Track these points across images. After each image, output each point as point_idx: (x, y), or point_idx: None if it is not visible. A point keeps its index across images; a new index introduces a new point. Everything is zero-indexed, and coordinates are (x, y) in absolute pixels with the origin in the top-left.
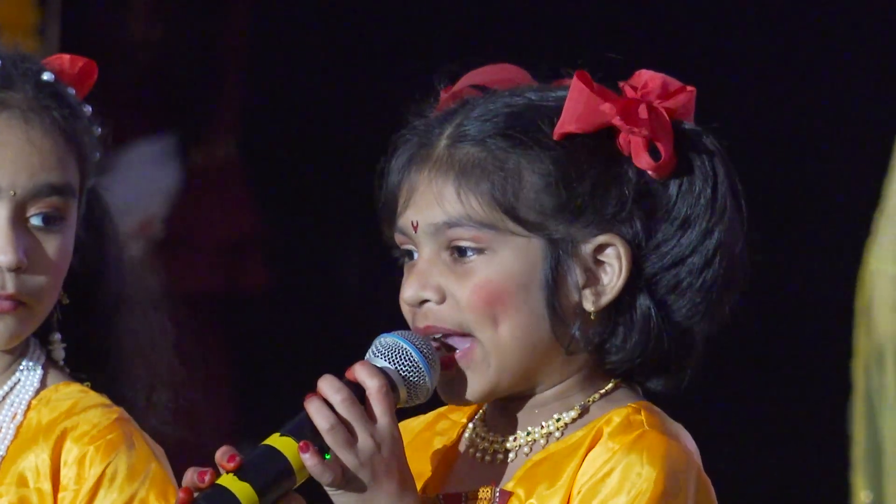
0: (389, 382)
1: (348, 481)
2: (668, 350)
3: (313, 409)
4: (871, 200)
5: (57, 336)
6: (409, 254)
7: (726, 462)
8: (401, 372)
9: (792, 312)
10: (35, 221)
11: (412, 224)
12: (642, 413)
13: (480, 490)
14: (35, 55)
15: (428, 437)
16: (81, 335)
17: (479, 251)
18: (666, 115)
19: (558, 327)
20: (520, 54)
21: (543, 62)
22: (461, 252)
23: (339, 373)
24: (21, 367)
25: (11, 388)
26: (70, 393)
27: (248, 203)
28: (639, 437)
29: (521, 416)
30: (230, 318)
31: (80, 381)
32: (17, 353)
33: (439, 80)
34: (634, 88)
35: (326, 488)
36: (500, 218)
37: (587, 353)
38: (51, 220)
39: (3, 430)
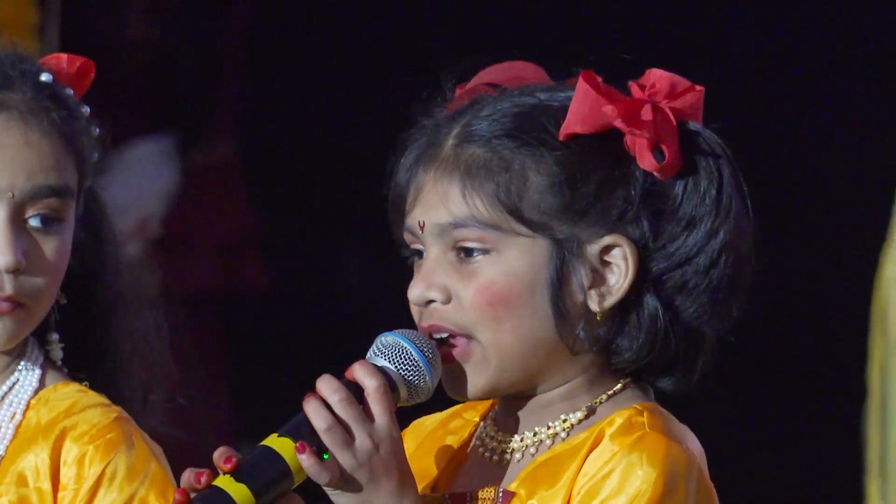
0: (389, 382)
1: (346, 481)
2: (675, 350)
3: (311, 409)
4: (887, 204)
5: (55, 336)
6: (419, 253)
7: (739, 466)
8: (401, 371)
9: (807, 317)
10: (33, 223)
11: (419, 224)
12: (645, 415)
13: (484, 490)
14: (33, 55)
15: (440, 435)
16: (79, 335)
17: (485, 251)
18: (671, 115)
19: (563, 327)
20: (534, 52)
21: (558, 60)
22: (467, 252)
23: (339, 372)
24: (19, 368)
25: (10, 388)
26: (69, 392)
27: (247, 203)
28: (639, 438)
29: (528, 416)
30: (229, 317)
31: (79, 380)
32: (16, 354)
33: (447, 79)
34: (642, 88)
35: (325, 488)
36: (504, 218)
37: (594, 353)
38: (49, 222)
39: (3, 430)
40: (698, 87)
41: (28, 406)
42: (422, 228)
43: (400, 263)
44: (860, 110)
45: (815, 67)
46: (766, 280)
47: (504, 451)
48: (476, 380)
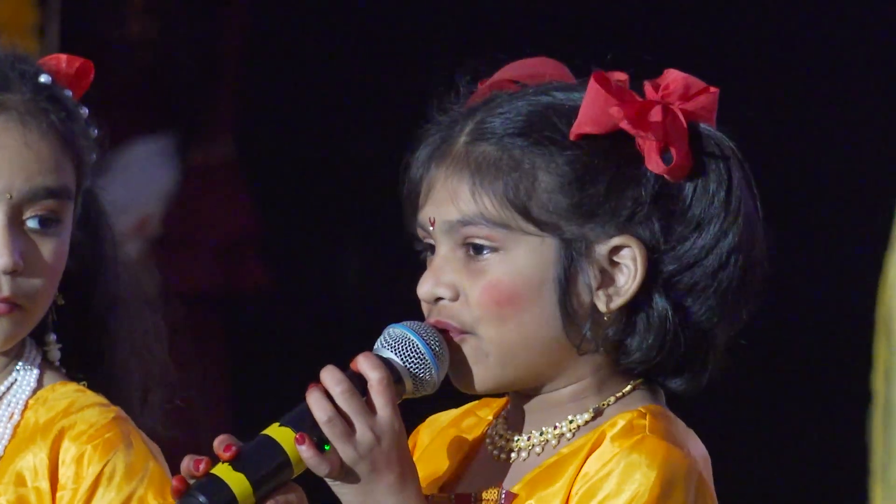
0: (394, 374)
1: (346, 474)
2: (685, 351)
3: (313, 400)
4: (891, 208)
5: (52, 337)
6: (431, 248)
7: (743, 469)
8: (406, 364)
9: (812, 321)
10: (31, 224)
11: (430, 220)
12: (647, 418)
13: (488, 491)
14: (32, 56)
15: (453, 433)
16: (77, 336)
17: (494, 249)
18: (682, 117)
19: (570, 327)
20: (560, 49)
21: (584, 57)
22: (477, 249)
23: (344, 365)
24: (17, 368)
25: (8, 389)
26: (67, 392)
27: (246, 202)
28: (638, 441)
29: (536, 415)
30: (228, 316)
31: (77, 380)
32: (13, 355)
33: (463, 75)
34: (656, 88)
35: (326, 480)
36: (513, 217)
37: (602, 353)
38: (47, 223)
39: (1, 430)
40: (713, 89)
41: (26, 406)
42: (432, 225)
43: (399, 262)
44: (863, 113)
45: (818, 71)
46: (769, 284)
47: (511, 450)
48: (479, 373)
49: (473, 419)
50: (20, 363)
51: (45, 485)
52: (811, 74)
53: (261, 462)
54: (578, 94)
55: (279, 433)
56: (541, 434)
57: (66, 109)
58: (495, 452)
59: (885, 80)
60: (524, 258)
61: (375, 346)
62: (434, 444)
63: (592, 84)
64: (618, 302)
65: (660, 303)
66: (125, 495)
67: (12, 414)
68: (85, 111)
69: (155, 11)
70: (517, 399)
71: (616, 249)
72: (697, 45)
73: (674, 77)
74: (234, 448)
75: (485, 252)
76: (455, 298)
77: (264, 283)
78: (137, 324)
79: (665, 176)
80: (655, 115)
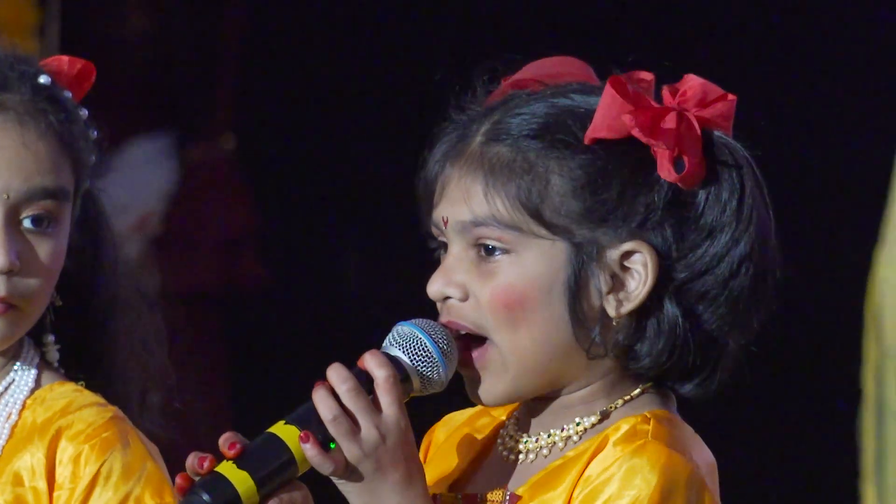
0: (401, 372)
1: (351, 472)
2: (694, 357)
3: (318, 398)
4: (880, 206)
5: (51, 338)
6: (445, 246)
7: (734, 469)
8: (414, 363)
9: (801, 320)
10: (28, 224)
11: (443, 219)
12: (651, 423)
13: (493, 492)
14: (33, 57)
15: (467, 432)
16: (76, 337)
17: (506, 251)
18: (697, 124)
19: (579, 331)
20: (587, 49)
21: (608, 57)
22: (488, 250)
23: (351, 363)
24: (15, 368)
25: (6, 389)
26: (64, 392)
27: (246, 199)
28: (640, 446)
29: (546, 417)
30: (228, 314)
31: (75, 380)
32: (11, 355)
33: (479, 75)
34: (674, 94)
35: (331, 478)
36: (524, 220)
37: (612, 357)
38: (44, 224)
39: None
40: (730, 97)
41: (24, 406)
42: (445, 224)
43: (399, 260)
44: (853, 111)
45: (810, 69)
46: (782, 289)
47: (519, 451)
48: (494, 385)
49: (487, 418)
50: (18, 363)
51: (42, 484)
52: (798, 70)
53: (265, 460)
54: (596, 97)
55: (284, 431)
56: (548, 436)
57: (65, 110)
58: (504, 453)
59: (874, 78)
60: (535, 261)
61: (384, 344)
62: (447, 442)
63: (608, 89)
64: (628, 307)
65: (670, 309)
66: (122, 495)
67: (10, 414)
68: (84, 113)
69: (154, 9)
70: (529, 401)
71: (627, 254)
72: (718, 45)
73: (692, 83)
74: (238, 446)
75: (496, 253)
76: (464, 298)
77: (264, 280)
78: (137, 325)
79: (678, 183)
80: (669, 122)
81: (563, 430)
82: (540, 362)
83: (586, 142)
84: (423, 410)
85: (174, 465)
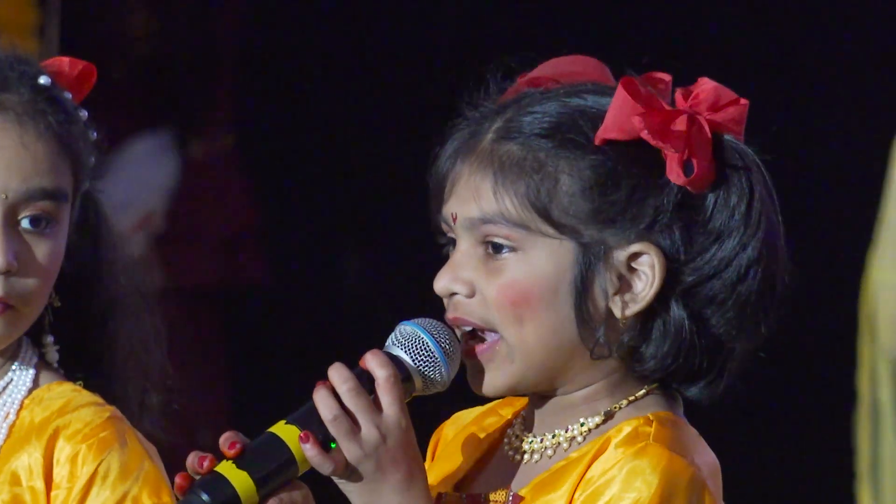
0: (403, 373)
1: (351, 472)
2: (700, 360)
3: (319, 398)
4: (875, 208)
5: (49, 339)
6: (454, 242)
7: (729, 471)
8: (416, 363)
9: (796, 322)
10: (26, 225)
11: (452, 216)
12: (653, 425)
13: (496, 493)
14: (33, 57)
15: (475, 431)
16: (75, 338)
17: (513, 249)
18: (707, 127)
19: (584, 331)
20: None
21: (623, 57)
22: (496, 248)
23: (353, 364)
24: (13, 368)
25: (4, 388)
26: (62, 392)
27: (246, 196)
28: (641, 448)
29: (550, 417)
30: (229, 311)
31: (74, 380)
32: (9, 355)
33: (494, 72)
34: (686, 97)
35: (332, 478)
36: (532, 219)
37: (616, 358)
38: (42, 224)
39: None
40: (743, 101)
41: (22, 406)
42: (454, 220)
43: (400, 257)
44: (847, 115)
45: (806, 70)
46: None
47: (524, 452)
48: (496, 377)
49: (495, 418)
50: (16, 363)
51: (39, 484)
52: (794, 71)
53: (265, 460)
54: (609, 98)
55: (285, 431)
56: (553, 436)
57: (64, 111)
58: (511, 453)
59: (868, 80)
60: (542, 260)
61: (386, 344)
62: (455, 441)
63: (620, 90)
64: (634, 308)
65: (677, 311)
66: (119, 494)
67: (8, 413)
68: (84, 114)
69: (154, 7)
70: (534, 400)
71: (634, 256)
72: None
73: (705, 86)
74: (238, 445)
75: (503, 251)
76: (471, 295)
77: (264, 277)
78: (136, 326)
79: (686, 187)
80: (680, 124)
81: (567, 431)
82: (544, 359)
83: (597, 142)
84: (426, 410)
85: (174, 465)
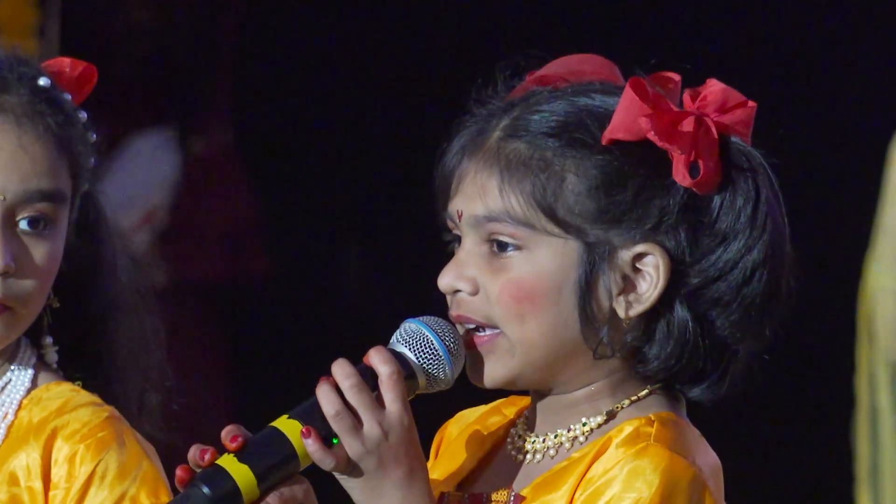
0: (407, 370)
1: (353, 468)
2: (704, 362)
3: (322, 393)
4: (872, 214)
5: (48, 339)
6: (459, 239)
7: (729, 475)
8: (420, 360)
9: (795, 326)
10: (24, 226)
11: (457, 213)
12: (655, 425)
13: (498, 492)
14: (34, 58)
15: (478, 430)
16: (74, 339)
17: (518, 248)
18: (714, 129)
19: (588, 331)
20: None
21: (630, 56)
22: (501, 246)
23: (357, 359)
24: (12, 368)
25: (2, 389)
26: (61, 392)
27: (249, 191)
28: (642, 449)
29: (553, 416)
30: (231, 305)
31: (72, 380)
32: (8, 356)
33: (502, 70)
34: (694, 98)
35: (334, 473)
36: (537, 217)
37: (619, 358)
38: (40, 226)
39: None
40: (751, 103)
41: (20, 406)
42: (460, 217)
43: (402, 252)
44: (843, 120)
45: (804, 72)
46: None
47: (527, 451)
48: (496, 369)
49: (499, 417)
50: (15, 363)
51: (38, 484)
52: (795, 72)
53: (266, 454)
54: (617, 98)
55: (287, 425)
56: (555, 436)
57: (63, 113)
58: (514, 453)
59: (864, 85)
60: (546, 259)
61: (391, 341)
62: (458, 439)
63: (627, 91)
64: (638, 309)
65: (681, 312)
66: (117, 494)
67: (6, 413)
68: (84, 115)
69: (154, 3)
70: (536, 399)
71: (639, 256)
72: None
73: (712, 89)
74: (240, 439)
75: (508, 249)
76: (474, 293)
77: (267, 271)
78: (135, 326)
79: (692, 188)
80: (686, 126)
81: (569, 431)
82: (545, 356)
83: (604, 142)
84: (429, 408)
85: (174, 463)
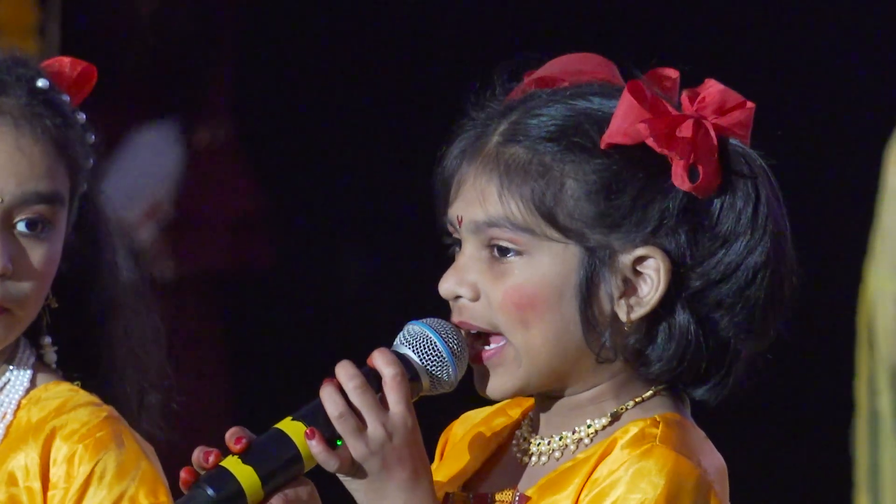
0: (410, 372)
1: (357, 469)
2: (707, 364)
3: (325, 395)
4: (871, 218)
5: (47, 340)
6: (460, 243)
7: (736, 475)
8: (424, 362)
9: (794, 331)
10: (22, 228)
11: (457, 218)
12: (660, 426)
13: (503, 493)
14: (33, 59)
15: (483, 431)
16: (74, 339)
17: (519, 253)
18: (713, 132)
19: (590, 334)
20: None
21: (629, 53)
22: (502, 251)
23: (361, 359)
24: (11, 368)
25: (1, 389)
26: (59, 392)
27: (252, 183)
28: (647, 450)
29: (557, 418)
30: (235, 298)
31: (71, 380)
32: (6, 356)
33: (500, 72)
34: (692, 100)
35: (338, 475)
36: (537, 223)
37: (622, 360)
38: (38, 228)
39: None
40: (749, 104)
41: (19, 406)
42: (460, 223)
43: (406, 245)
44: (844, 123)
45: (804, 72)
46: (798, 297)
47: (532, 453)
48: (504, 381)
49: (504, 418)
50: (13, 364)
51: (36, 485)
52: (794, 73)
53: (271, 456)
54: (615, 101)
55: (291, 427)
56: (560, 438)
57: (61, 115)
58: (518, 454)
59: (865, 87)
60: (547, 264)
61: (395, 343)
62: (463, 440)
63: (625, 95)
64: (639, 312)
65: (682, 315)
66: (116, 494)
67: (5, 413)
68: (82, 117)
69: None
70: (540, 401)
71: (640, 260)
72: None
73: (710, 90)
74: (244, 440)
75: (509, 255)
76: (476, 298)
77: (272, 263)
78: (135, 326)
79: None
80: (685, 130)
81: (574, 433)
82: (550, 362)
83: (602, 147)
84: (434, 410)
85: (173, 464)
